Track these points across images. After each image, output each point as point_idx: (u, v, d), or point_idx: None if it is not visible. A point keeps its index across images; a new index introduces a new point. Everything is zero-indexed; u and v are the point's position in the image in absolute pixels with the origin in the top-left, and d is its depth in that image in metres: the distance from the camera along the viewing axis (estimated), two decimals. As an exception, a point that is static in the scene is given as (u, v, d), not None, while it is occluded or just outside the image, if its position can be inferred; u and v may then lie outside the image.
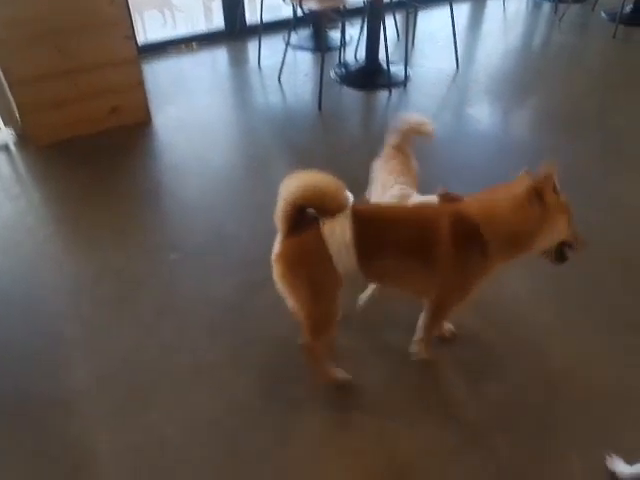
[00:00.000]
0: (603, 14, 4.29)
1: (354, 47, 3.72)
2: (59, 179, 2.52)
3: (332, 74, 3.45)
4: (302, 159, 2.68)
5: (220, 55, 3.81)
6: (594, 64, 3.76)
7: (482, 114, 3.09)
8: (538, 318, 1.86)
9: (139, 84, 2.84)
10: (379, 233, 1.36)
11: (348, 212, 1.33)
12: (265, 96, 3.31)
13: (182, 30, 3.89)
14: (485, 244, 1.31)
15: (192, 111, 3.07)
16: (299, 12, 3.62)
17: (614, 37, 3.92)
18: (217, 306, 1.89)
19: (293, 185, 1.29)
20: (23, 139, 2.76)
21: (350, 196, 1.38)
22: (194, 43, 3.82)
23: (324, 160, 2.65)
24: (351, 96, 3.32)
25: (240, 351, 1.74)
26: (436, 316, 1.54)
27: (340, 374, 1.62)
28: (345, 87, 3.36)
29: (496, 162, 2.66)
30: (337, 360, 1.64)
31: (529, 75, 3.55)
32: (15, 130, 2.80)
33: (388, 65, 3.27)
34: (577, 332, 1.80)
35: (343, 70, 3.50)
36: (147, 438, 1.50)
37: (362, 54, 3.53)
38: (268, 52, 3.71)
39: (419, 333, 1.61)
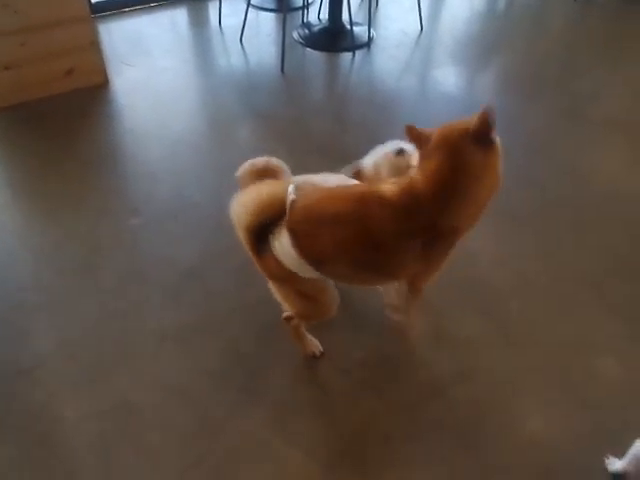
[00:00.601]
0: (565, -25, 4.30)
1: (317, 7, 3.64)
2: (13, 145, 2.43)
3: (295, 35, 3.38)
4: (264, 122, 2.64)
5: (179, 15, 3.67)
6: (556, 26, 3.80)
7: (446, 76, 3.09)
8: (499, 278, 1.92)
9: (93, 44, 2.72)
10: (316, 234, 1.24)
11: (286, 214, 1.24)
12: (227, 58, 3.22)
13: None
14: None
15: (151, 73, 2.97)
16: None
17: (575, 0, 3.95)
18: (181, 272, 1.89)
19: (240, 211, 1.24)
20: (-28, 103, 2.64)
21: (291, 191, 1.27)
22: (152, 2, 3.67)
23: (287, 123, 2.63)
24: (314, 58, 3.27)
25: (205, 316, 1.75)
26: (413, 295, 1.49)
27: (316, 347, 1.64)
28: (308, 49, 3.30)
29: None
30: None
31: (493, 37, 3.55)
32: (-38, 93, 2.67)
33: (351, 26, 3.22)
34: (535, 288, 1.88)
35: (306, 31, 3.43)
36: (114, 404, 1.51)
37: (325, 15, 3.46)
38: (229, 12, 3.60)
39: (388, 298, 1.64)
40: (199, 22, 3.62)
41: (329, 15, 3.40)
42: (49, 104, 2.66)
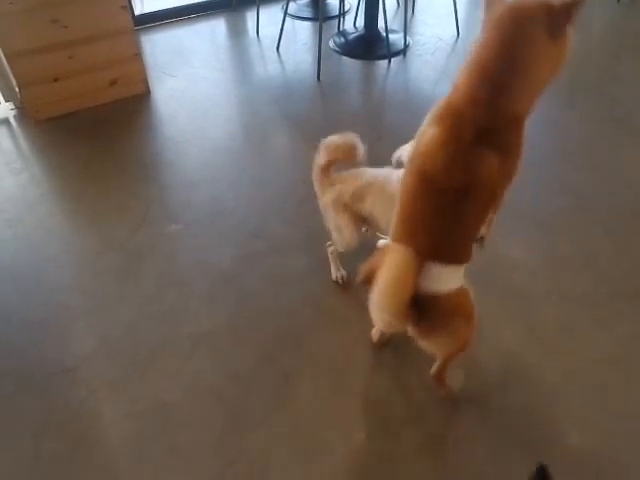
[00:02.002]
0: (608, -22, 4.20)
1: (353, 15, 3.67)
2: (60, 153, 2.54)
3: (331, 43, 3.41)
4: (300, 129, 2.68)
5: (218, 26, 3.77)
6: (597, 29, 3.70)
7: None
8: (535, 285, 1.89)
9: (136, 55, 2.83)
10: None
11: None
12: (264, 66, 3.29)
13: (180, 1, 3.83)
14: None
15: (191, 82, 3.06)
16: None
17: (618, 1, 3.85)
18: (216, 276, 1.93)
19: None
20: (23, 113, 2.77)
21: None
22: (192, 14, 3.78)
23: (322, 130, 2.64)
24: (350, 65, 3.29)
25: (239, 320, 1.79)
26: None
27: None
28: (344, 57, 3.33)
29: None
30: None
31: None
32: (15, 104, 2.81)
33: (387, 34, 3.23)
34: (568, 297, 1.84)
35: (342, 39, 3.46)
36: (149, 404, 1.56)
37: (361, 23, 3.49)
38: (267, 22, 3.67)
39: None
40: (237, 32, 3.70)
41: (365, 23, 3.42)
42: (94, 113, 2.78)
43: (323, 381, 1.61)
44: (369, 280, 1.17)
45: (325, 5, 3.75)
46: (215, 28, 3.74)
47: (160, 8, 3.75)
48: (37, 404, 1.57)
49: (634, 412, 1.52)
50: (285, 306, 1.83)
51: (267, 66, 3.28)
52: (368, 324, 1.75)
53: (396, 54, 3.30)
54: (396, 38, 3.37)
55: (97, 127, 2.70)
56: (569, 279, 1.90)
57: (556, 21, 1.00)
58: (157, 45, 3.47)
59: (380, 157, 1.67)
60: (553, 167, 2.36)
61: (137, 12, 3.62)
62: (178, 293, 1.88)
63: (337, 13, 3.62)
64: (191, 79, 3.09)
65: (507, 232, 1.98)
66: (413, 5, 3.87)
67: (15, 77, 2.61)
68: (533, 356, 1.66)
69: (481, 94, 1.07)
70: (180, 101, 2.91)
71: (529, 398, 1.56)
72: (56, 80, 2.67)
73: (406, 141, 1.49)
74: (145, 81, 2.93)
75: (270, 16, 3.72)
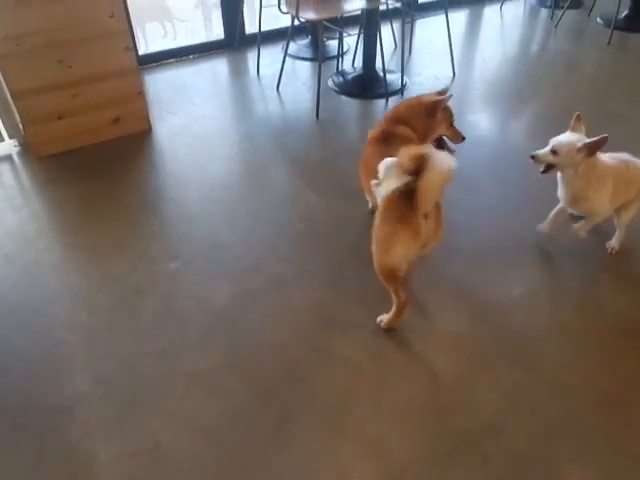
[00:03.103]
0: (599, 20, 4.33)
1: (352, 56, 3.77)
2: (62, 190, 2.57)
3: (330, 83, 3.49)
4: (299, 166, 2.72)
5: (220, 65, 3.87)
6: (589, 71, 3.80)
7: (479, 121, 3.12)
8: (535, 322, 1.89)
9: (139, 94, 2.90)
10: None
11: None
12: (264, 105, 3.36)
13: (183, 41, 3.94)
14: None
15: (192, 120, 3.12)
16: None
17: (609, 44, 3.96)
18: (214, 313, 1.93)
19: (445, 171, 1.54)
20: (26, 150, 2.82)
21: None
22: (194, 53, 3.88)
23: (321, 168, 2.70)
24: (348, 104, 3.36)
25: (236, 358, 1.78)
26: None
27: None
28: (343, 96, 3.40)
29: (494, 167, 2.70)
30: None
31: (525, 81, 3.58)
32: (18, 141, 2.86)
33: (385, 74, 3.31)
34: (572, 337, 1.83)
35: (341, 79, 3.55)
36: (144, 445, 1.54)
37: (360, 63, 3.58)
38: (267, 61, 3.77)
39: None
40: (238, 71, 3.79)
41: (363, 63, 3.52)
42: (96, 150, 2.83)
43: (322, 420, 1.59)
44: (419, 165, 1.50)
45: (324, 46, 3.86)
46: (217, 67, 3.84)
47: (164, 48, 3.86)
48: (31, 442, 1.54)
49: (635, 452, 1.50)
50: (282, 344, 1.82)
51: (267, 105, 3.35)
52: (365, 362, 1.75)
53: (393, 93, 3.37)
54: (394, 78, 3.46)
55: (99, 164, 2.74)
56: (569, 315, 1.90)
57: (428, 110, 2.07)
58: (160, 83, 3.55)
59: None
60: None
61: (141, 52, 3.72)
62: (175, 330, 1.87)
63: (336, 54, 3.72)
64: (192, 117, 3.16)
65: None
66: (410, 46, 3.98)
67: (19, 115, 2.66)
68: (532, 395, 1.65)
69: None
70: (181, 138, 2.96)
71: (524, 439, 1.54)
72: (60, 118, 2.72)
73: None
74: (147, 118, 2.99)
75: (271, 56, 3.82)
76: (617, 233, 2.15)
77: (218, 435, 1.56)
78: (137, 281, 2.07)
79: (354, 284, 2.02)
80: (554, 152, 1.91)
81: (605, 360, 1.76)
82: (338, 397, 1.66)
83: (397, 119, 2.07)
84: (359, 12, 3.45)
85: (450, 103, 2.10)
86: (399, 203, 1.59)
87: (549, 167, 1.96)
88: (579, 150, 1.87)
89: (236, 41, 3.94)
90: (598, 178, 1.93)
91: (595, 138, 1.85)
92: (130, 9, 3.39)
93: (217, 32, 3.99)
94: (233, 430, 1.57)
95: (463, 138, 2.19)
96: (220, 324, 1.89)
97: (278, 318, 1.91)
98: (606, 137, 1.84)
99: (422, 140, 2.07)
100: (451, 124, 2.16)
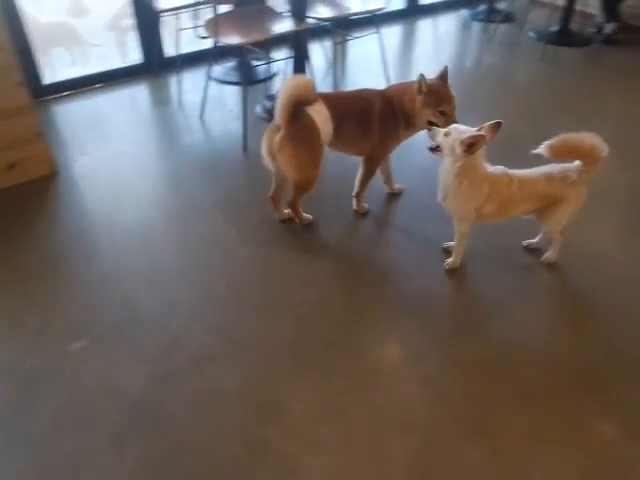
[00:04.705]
0: (531, 34, 4.28)
1: (282, 78, 3.52)
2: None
3: (259, 109, 3.23)
4: (226, 209, 2.43)
5: (139, 92, 3.53)
6: (523, 85, 3.71)
7: (413, 139, 2.94)
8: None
9: (38, 134, 2.53)
10: (341, 109, 2.10)
11: (319, 99, 2.05)
12: (187, 137, 3.06)
13: (95, 67, 3.57)
14: (397, 115, 2.14)
15: (107, 159, 2.78)
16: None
17: (542, 58, 3.91)
18: (126, 406, 1.63)
19: (290, 87, 1.94)
20: None
21: None
22: (110, 80, 3.53)
23: (250, 210, 2.42)
24: (280, 133, 3.11)
25: (153, 461, 1.49)
26: (368, 170, 2.30)
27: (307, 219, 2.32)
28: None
29: (432, 183, 2.53)
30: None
31: (460, 97, 3.44)
32: None
33: (317, 98, 3.09)
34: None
35: (270, 104, 3.29)
36: None
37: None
38: (190, 87, 3.47)
39: (356, 189, 2.36)
40: (159, 99, 3.48)
41: (293, 87, 3.28)
42: (-10, 201, 2.45)
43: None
44: None
45: (251, 70, 3.59)
46: (135, 95, 3.51)
47: (75, 76, 3.48)
48: None
49: None
50: (208, 439, 1.54)
51: (191, 136, 3.06)
52: (308, 459, 1.50)
53: (327, 119, 3.15)
54: (326, 102, 3.24)
55: (-8, 218, 2.37)
56: (527, 368, 1.72)
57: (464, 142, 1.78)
58: (70, 115, 3.19)
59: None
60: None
61: (48, 81, 3.33)
62: (79, 434, 1.55)
63: (264, 77, 3.47)
64: (107, 155, 2.82)
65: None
66: (343, 64, 3.78)
67: None
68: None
69: None
70: (93, 182, 2.62)
71: None
72: (-58, 167, 2.34)
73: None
74: (50, 161, 2.63)
75: (194, 81, 3.52)
76: (552, 244, 2.10)
77: None
78: (32, 370, 1.73)
79: (292, 351, 1.77)
80: (446, 135, 1.83)
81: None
82: None
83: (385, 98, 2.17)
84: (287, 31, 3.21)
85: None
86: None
87: (437, 148, 1.88)
88: (462, 142, 1.76)
89: (155, 66, 3.60)
90: (472, 181, 1.85)
91: (473, 134, 1.75)
92: (31, 33, 3.05)
93: (134, 56, 3.64)
94: None
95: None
96: (133, 420, 1.59)
97: (201, 406, 1.63)
98: (484, 136, 1.73)
99: (406, 125, 2.17)
100: (440, 111, 2.09)
